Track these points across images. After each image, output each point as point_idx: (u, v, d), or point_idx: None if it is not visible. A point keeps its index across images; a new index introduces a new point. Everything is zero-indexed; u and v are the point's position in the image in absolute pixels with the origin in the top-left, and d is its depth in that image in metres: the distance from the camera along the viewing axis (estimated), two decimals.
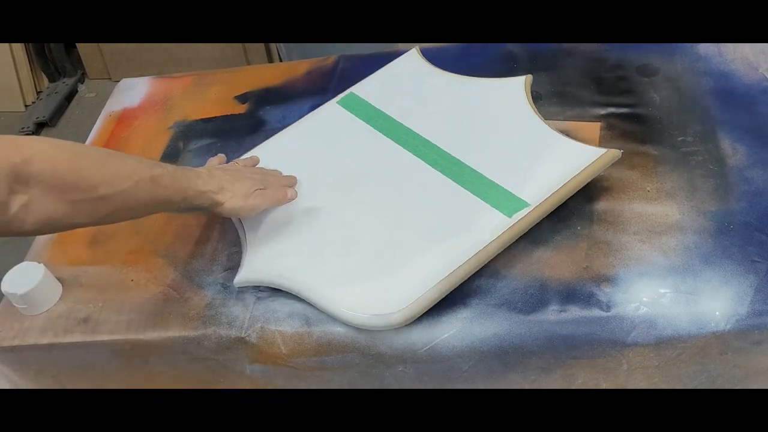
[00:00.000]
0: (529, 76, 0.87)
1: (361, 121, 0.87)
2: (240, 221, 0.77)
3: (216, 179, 0.70)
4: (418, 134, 0.83)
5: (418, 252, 0.70)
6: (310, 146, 0.86)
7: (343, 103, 0.90)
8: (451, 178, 0.77)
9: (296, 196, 0.77)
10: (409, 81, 0.92)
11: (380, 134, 0.85)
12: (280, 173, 0.80)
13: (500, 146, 0.79)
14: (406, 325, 0.68)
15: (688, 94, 0.86)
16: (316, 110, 0.91)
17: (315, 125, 0.89)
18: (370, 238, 0.73)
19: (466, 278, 0.68)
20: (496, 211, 0.71)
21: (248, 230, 0.76)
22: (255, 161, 0.83)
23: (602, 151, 0.74)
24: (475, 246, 0.68)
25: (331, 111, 0.90)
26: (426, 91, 0.89)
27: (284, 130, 0.90)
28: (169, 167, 0.66)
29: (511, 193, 0.73)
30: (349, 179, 0.81)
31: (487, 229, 0.70)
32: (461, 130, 0.82)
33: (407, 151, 0.81)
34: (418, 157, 0.80)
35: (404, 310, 0.65)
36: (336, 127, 0.88)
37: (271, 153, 0.86)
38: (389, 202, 0.76)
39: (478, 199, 0.73)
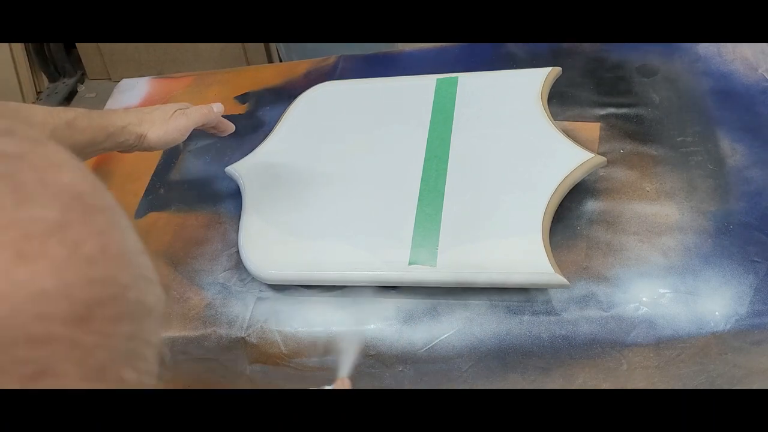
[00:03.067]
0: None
1: (429, 108, 0.86)
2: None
3: (134, 113, 0.68)
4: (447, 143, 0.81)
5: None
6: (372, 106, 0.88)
7: (441, 83, 0.88)
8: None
9: (223, 110, 0.74)
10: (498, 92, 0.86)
11: (424, 125, 0.83)
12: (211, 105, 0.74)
13: (500, 146, 0.79)
14: (405, 325, 0.68)
15: (688, 94, 0.86)
16: (414, 78, 0.91)
17: (394, 90, 0.90)
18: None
19: None
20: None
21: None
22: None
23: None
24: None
25: (421, 84, 0.89)
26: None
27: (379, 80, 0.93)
28: (82, 110, 0.64)
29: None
30: (350, 157, 0.82)
31: None
32: (477, 133, 0.82)
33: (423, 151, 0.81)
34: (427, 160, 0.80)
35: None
36: (409, 99, 0.88)
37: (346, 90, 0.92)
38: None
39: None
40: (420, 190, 0.76)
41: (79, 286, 0.20)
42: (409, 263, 0.69)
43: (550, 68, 0.85)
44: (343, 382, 0.59)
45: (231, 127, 0.77)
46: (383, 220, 0.74)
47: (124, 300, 0.21)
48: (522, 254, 0.67)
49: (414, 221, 0.73)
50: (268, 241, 0.75)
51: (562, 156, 0.74)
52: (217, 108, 0.73)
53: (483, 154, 0.78)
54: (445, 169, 0.78)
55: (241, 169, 0.84)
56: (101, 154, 0.70)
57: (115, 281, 0.21)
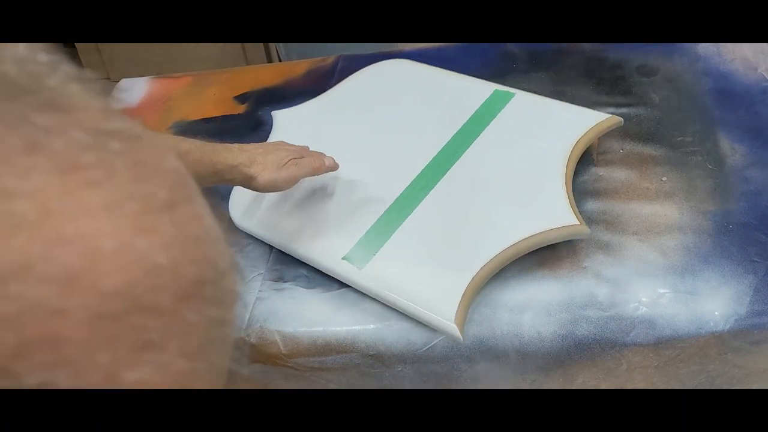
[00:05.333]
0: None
1: (470, 115, 0.84)
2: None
3: (247, 153, 0.67)
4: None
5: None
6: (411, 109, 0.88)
7: (496, 94, 0.86)
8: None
9: (337, 166, 0.75)
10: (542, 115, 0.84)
11: (452, 131, 0.83)
12: (321, 153, 0.76)
13: (500, 178, 0.76)
14: (405, 325, 0.68)
15: (688, 94, 0.86)
16: (475, 81, 0.90)
17: (450, 87, 0.90)
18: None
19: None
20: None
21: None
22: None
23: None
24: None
25: (478, 88, 0.88)
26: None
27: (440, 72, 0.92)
28: (197, 142, 0.64)
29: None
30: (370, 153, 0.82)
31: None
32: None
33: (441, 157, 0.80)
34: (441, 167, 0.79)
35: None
36: (457, 100, 0.87)
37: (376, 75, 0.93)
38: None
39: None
40: (400, 194, 0.76)
41: (185, 265, 0.21)
42: (342, 257, 0.71)
43: (609, 115, 0.79)
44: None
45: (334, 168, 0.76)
46: (351, 209, 0.76)
47: (220, 284, 0.22)
48: (437, 299, 0.66)
49: (373, 221, 0.74)
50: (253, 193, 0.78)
51: (545, 215, 0.70)
52: (329, 162, 0.73)
53: (481, 180, 0.76)
54: (436, 181, 0.77)
55: (280, 116, 0.91)
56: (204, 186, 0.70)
57: (214, 264, 0.22)
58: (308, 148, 0.77)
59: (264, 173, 0.67)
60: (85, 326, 0.19)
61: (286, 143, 0.75)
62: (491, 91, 0.87)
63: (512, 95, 0.85)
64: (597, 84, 0.90)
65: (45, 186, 0.19)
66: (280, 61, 1.94)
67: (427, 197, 0.75)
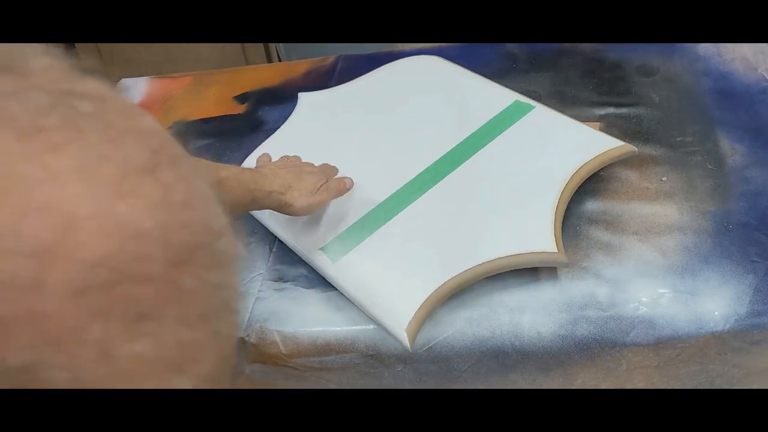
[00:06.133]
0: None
1: (484, 122, 0.82)
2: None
3: (281, 179, 0.68)
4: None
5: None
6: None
7: (515, 105, 0.83)
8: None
9: (352, 185, 0.76)
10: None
11: (463, 135, 0.82)
12: (329, 165, 0.78)
13: (495, 190, 0.75)
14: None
15: (688, 94, 0.86)
16: (498, 88, 0.87)
17: (471, 90, 0.89)
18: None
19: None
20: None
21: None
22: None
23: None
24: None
25: (499, 95, 0.86)
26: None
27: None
28: (233, 169, 0.65)
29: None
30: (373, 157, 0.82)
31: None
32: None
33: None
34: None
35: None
36: (476, 105, 0.85)
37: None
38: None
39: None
40: (392, 194, 0.76)
41: (174, 230, 0.20)
42: (319, 248, 0.72)
43: (622, 142, 0.76)
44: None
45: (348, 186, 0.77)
46: (342, 202, 0.76)
47: (215, 247, 0.21)
48: (395, 305, 0.66)
49: (359, 218, 0.74)
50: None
51: (525, 237, 0.68)
52: (349, 184, 0.76)
53: (474, 191, 0.75)
54: (430, 186, 0.76)
55: (305, 98, 0.93)
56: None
57: (207, 227, 0.21)
58: (335, 168, 0.78)
59: (300, 200, 0.68)
60: (68, 301, 0.17)
61: (307, 164, 0.76)
62: (511, 101, 0.84)
63: (531, 108, 0.83)
64: (597, 84, 0.90)
65: (3, 152, 0.17)
66: (280, 61, 1.94)
67: (416, 201, 0.75)
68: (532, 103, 0.83)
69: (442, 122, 0.85)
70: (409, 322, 0.64)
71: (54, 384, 0.18)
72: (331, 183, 0.73)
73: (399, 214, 0.74)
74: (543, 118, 0.82)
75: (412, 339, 0.64)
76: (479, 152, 0.79)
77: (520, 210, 0.72)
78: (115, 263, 0.18)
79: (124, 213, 0.19)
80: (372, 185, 0.78)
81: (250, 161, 0.85)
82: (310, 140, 0.87)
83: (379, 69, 0.96)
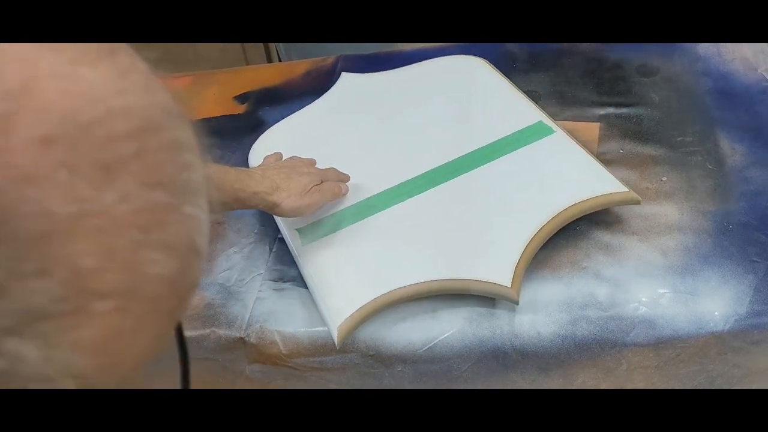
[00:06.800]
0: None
1: (505, 134, 0.80)
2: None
3: (269, 179, 0.68)
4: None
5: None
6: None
7: (537, 125, 0.80)
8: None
9: (348, 191, 0.76)
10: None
11: (479, 144, 0.80)
12: (335, 169, 0.77)
13: (486, 206, 0.74)
14: (405, 325, 0.68)
15: (688, 94, 0.86)
16: (526, 103, 0.85)
17: (502, 101, 0.86)
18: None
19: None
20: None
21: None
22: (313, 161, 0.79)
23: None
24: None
25: (524, 112, 0.83)
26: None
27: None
28: (220, 168, 0.65)
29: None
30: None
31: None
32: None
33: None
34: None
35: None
36: (503, 116, 0.83)
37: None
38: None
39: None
40: (381, 191, 0.77)
41: (134, 102, 0.21)
42: (297, 228, 0.74)
43: (627, 189, 0.71)
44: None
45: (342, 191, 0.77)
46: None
47: (173, 130, 0.23)
48: (335, 303, 0.67)
49: (344, 206, 0.75)
50: (270, 149, 0.83)
51: (485, 266, 0.67)
52: (344, 189, 0.76)
53: (458, 207, 0.74)
54: (419, 192, 0.76)
55: (346, 78, 0.95)
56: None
57: (164, 108, 0.23)
58: (335, 171, 0.77)
59: (288, 201, 0.67)
60: (34, 147, 0.19)
61: (305, 163, 0.75)
62: (535, 121, 0.81)
63: (550, 132, 0.79)
64: (597, 84, 0.90)
65: None
66: (280, 61, 1.94)
67: (400, 203, 0.75)
68: (555, 127, 0.79)
69: (459, 128, 0.83)
70: (345, 320, 0.65)
71: (26, 219, 0.19)
72: (324, 185, 0.72)
73: (380, 213, 0.74)
74: (558, 144, 0.78)
75: (342, 337, 0.65)
76: (481, 167, 0.77)
77: (493, 234, 0.70)
78: (78, 121, 0.20)
79: (87, 77, 0.20)
80: (369, 178, 0.78)
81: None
82: (330, 122, 0.89)
83: (418, 64, 0.95)
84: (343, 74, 0.96)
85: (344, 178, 0.77)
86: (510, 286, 0.65)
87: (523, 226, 0.69)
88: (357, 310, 0.65)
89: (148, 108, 0.22)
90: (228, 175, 0.65)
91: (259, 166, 0.75)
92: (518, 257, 0.67)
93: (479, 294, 0.67)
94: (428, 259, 0.69)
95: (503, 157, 0.78)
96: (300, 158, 0.77)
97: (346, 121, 0.89)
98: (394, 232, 0.72)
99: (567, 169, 0.75)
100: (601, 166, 0.74)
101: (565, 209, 0.70)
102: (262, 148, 0.86)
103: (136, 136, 0.21)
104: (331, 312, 0.66)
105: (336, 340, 0.65)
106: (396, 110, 0.88)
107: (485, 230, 0.71)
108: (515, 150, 0.78)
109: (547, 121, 0.81)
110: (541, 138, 0.79)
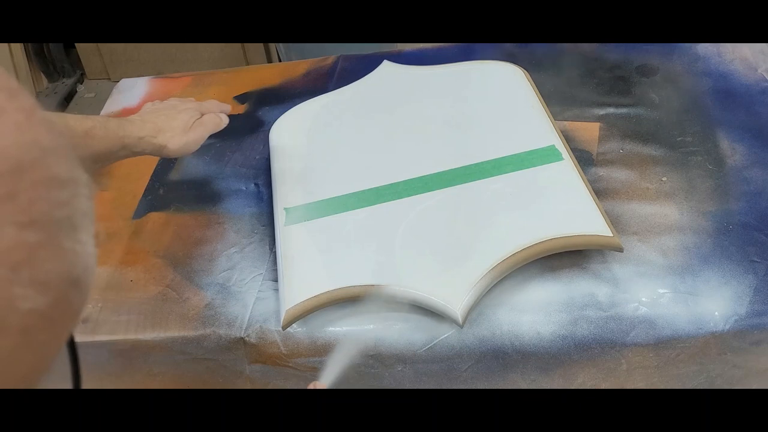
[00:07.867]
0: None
1: (515, 151, 0.78)
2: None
3: (150, 123, 0.69)
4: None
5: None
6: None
7: (548, 148, 0.77)
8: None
9: (228, 121, 0.77)
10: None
11: (486, 156, 0.79)
12: (215, 100, 0.79)
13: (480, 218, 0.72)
14: (405, 325, 0.68)
15: (688, 94, 0.86)
16: (544, 123, 0.82)
17: (523, 115, 0.85)
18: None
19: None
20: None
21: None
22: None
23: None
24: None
25: (541, 132, 0.80)
26: None
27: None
28: (100, 118, 0.66)
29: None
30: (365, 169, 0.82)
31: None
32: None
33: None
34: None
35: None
36: (522, 132, 0.81)
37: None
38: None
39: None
40: (374, 187, 0.77)
41: (7, 147, 0.21)
42: (285, 207, 0.76)
43: (612, 235, 0.67)
44: (315, 385, 0.58)
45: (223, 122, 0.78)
46: (335, 175, 0.79)
47: (49, 167, 0.22)
48: (293, 290, 0.68)
49: (337, 194, 0.77)
50: (292, 125, 0.88)
51: (442, 291, 0.66)
52: (225, 119, 0.76)
53: (443, 218, 0.73)
54: (411, 195, 0.75)
55: (386, 67, 0.95)
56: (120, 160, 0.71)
57: (39, 146, 0.22)
58: (216, 103, 0.79)
59: (173, 140, 0.69)
60: None
61: (181, 100, 0.77)
62: (547, 144, 0.78)
63: (558, 159, 0.76)
64: (597, 84, 0.90)
65: None
66: (280, 61, 1.94)
67: (385, 203, 0.75)
68: (565, 155, 0.76)
69: (472, 137, 0.82)
70: (294, 306, 0.67)
71: None
72: (205, 118, 0.73)
73: (366, 208, 0.75)
74: (561, 174, 0.74)
75: (288, 322, 0.67)
76: (476, 182, 0.75)
77: (456, 252, 0.68)
78: None
79: None
80: (370, 171, 0.79)
81: (296, 112, 0.91)
82: (355, 107, 0.90)
83: (456, 64, 0.94)
84: (385, 62, 0.96)
85: (225, 109, 0.78)
86: (459, 318, 0.63)
87: (492, 251, 0.67)
88: (308, 300, 0.67)
89: (19, 147, 0.21)
90: (110, 123, 0.66)
91: (137, 113, 0.76)
92: (476, 280, 0.65)
93: (428, 308, 0.66)
94: (385, 264, 0.68)
95: (502, 175, 0.75)
96: (176, 98, 0.79)
97: (369, 109, 0.89)
98: (369, 230, 0.72)
99: (559, 202, 0.71)
100: (594, 204, 0.70)
101: (549, 240, 0.67)
102: (286, 124, 0.89)
103: (6, 177, 0.21)
104: (287, 292, 0.68)
105: (281, 322, 0.67)
106: (419, 108, 0.88)
107: (452, 247, 0.69)
108: (516, 171, 0.75)
109: (560, 147, 0.77)
110: (547, 163, 0.76)
